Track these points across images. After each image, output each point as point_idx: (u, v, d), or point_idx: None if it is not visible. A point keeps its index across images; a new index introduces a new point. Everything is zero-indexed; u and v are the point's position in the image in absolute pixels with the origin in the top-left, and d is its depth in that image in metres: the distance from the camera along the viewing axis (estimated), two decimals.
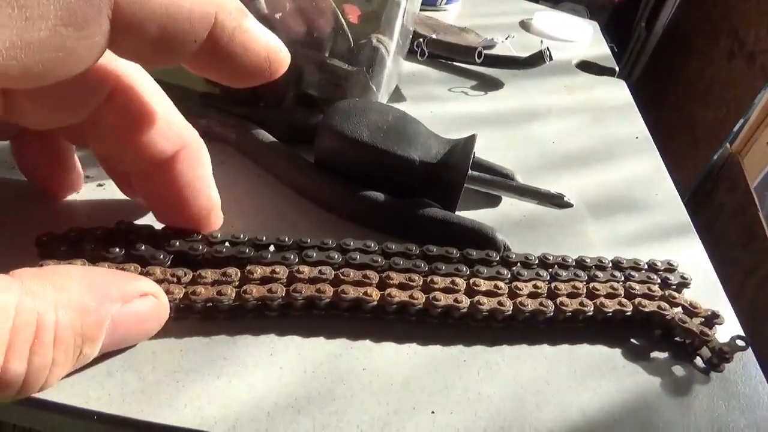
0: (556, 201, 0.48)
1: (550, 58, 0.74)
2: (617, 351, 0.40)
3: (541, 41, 0.73)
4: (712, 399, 0.38)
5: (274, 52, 0.30)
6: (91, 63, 0.25)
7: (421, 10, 0.95)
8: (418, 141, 0.47)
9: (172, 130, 0.35)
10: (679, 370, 0.39)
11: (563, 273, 0.42)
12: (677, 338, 0.41)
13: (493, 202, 0.53)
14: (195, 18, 0.26)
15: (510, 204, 0.52)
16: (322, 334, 0.37)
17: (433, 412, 0.33)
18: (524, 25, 1.00)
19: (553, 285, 0.41)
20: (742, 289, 1.65)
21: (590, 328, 0.41)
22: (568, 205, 0.48)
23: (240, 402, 0.32)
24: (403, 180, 0.46)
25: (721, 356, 0.39)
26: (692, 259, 0.51)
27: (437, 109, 0.67)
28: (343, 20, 0.51)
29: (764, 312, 1.50)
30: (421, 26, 0.84)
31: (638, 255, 0.46)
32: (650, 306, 0.41)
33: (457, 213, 0.47)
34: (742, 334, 0.42)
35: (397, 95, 0.67)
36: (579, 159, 0.62)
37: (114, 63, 0.32)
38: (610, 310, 0.40)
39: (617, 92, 0.81)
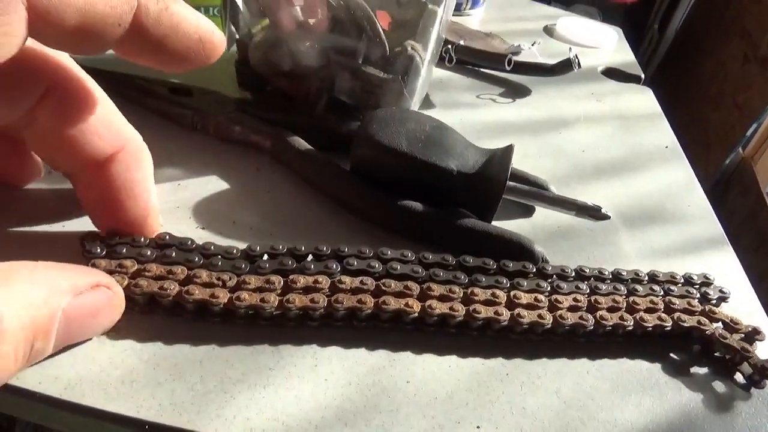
0: (594, 213, 0.47)
1: (579, 66, 0.74)
2: (657, 366, 0.40)
3: (570, 48, 0.73)
4: (754, 416, 0.38)
5: (206, 34, 0.30)
6: (11, 52, 0.24)
7: None
8: (456, 151, 0.47)
9: (110, 131, 0.34)
10: (719, 386, 0.39)
11: (602, 286, 0.42)
12: (717, 353, 0.41)
13: (527, 212, 0.52)
14: (115, 2, 0.26)
15: (543, 215, 0.52)
16: (363, 345, 0.37)
17: (478, 427, 0.33)
18: (548, 31, 1.00)
19: (593, 298, 0.41)
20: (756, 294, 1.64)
21: (629, 342, 0.41)
22: (606, 217, 0.48)
23: (287, 414, 0.32)
24: (441, 190, 0.46)
25: (762, 373, 0.38)
26: (728, 272, 0.50)
27: (466, 117, 0.67)
28: (380, 28, 0.51)
29: None
30: (449, 32, 0.84)
31: (673, 267, 0.46)
32: (690, 321, 0.41)
33: (493, 224, 0.47)
34: None
35: (426, 102, 0.67)
36: (610, 169, 0.62)
37: (50, 60, 0.31)
38: (650, 325, 0.40)
39: (645, 100, 0.80)
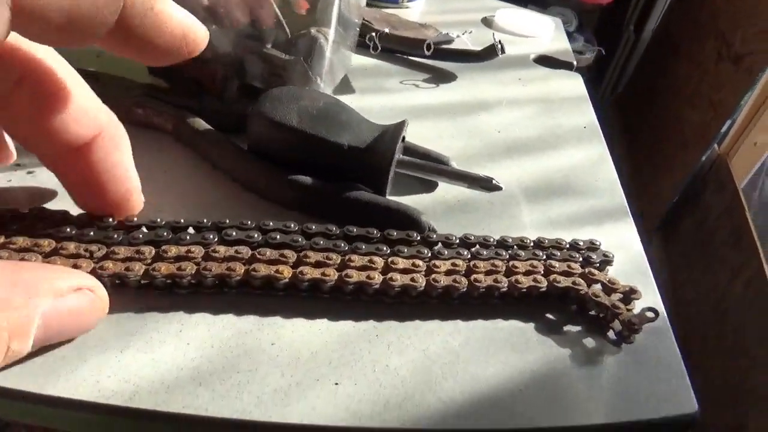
0: (485, 184, 0.48)
1: (503, 51, 0.75)
2: (531, 326, 0.41)
3: (493, 34, 0.74)
4: (620, 369, 0.38)
5: (190, 30, 0.31)
6: None
7: (383, 7, 0.96)
8: (349, 126, 0.48)
9: (87, 115, 0.35)
10: (590, 342, 0.40)
11: (484, 252, 0.43)
12: (592, 312, 0.42)
13: (429, 187, 0.53)
14: (101, 2, 0.27)
15: (445, 190, 0.53)
16: (233, 311, 0.37)
17: (336, 384, 0.34)
18: (486, 22, 1.01)
19: (472, 263, 0.42)
20: (730, 288, 1.66)
21: (507, 304, 0.42)
22: (497, 188, 0.49)
23: (141, 376, 0.32)
24: (333, 165, 0.47)
25: (630, 327, 0.39)
26: (624, 240, 0.52)
27: (386, 101, 0.68)
28: (277, 10, 0.52)
29: (753, 310, 1.50)
30: (380, 22, 0.85)
31: (571, 237, 0.47)
32: (566, 282, 0.42)
33: (389, 197, 0.48)
34: (659, 308, 0.43)
35: (345, 87, 0.68)
36: (523, 148, 0.63)
37: (24, 48, 0.32)
38: (525, 287, 0.41)
39: (572, 85, 0.82)
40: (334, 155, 0.46)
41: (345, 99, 0.67)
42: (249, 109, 0.54)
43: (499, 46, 0.75)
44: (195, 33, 0.31)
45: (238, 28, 0.55)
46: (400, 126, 0.47)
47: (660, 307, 0.44)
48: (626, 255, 0.49)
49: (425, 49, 0.72)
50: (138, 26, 0.28)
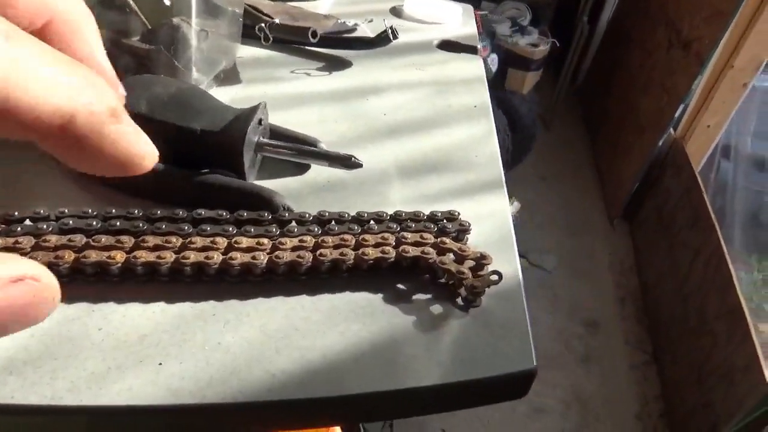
0: (345, 162, 0.49)
1: (395, 37, 0.76)
2: (379, 296, 0.41)
3: (384, 20, 0.75)
4: (464, 332, 0.39)
5: (138, 156, 0.27)
6: None
7: (290, 0, 0.96)
8: (204, 112, 0.47)
9: None
10: (438, 309, 0.41)
11: (337, 227, 0.43)
12: (441, 280, 0.42)
13: (300, 170, 0.53)
14: (43, 112, 0.22)
15: (316, 171, 0.53)
16: (62, 299, 0.36)
17: (160, 364, 0.34)
18: (396, 12, 1.02)
19: (320, 239, 0.42)
20: (692, 269, 1.70)
21: (358, 277, 0.42)
22: (357, 165, 0.49)
23: None
24: (189, 151, 0.47)
25: (473, 292, 0.40)
26: (495, 211, 0.52)
27: (273, 90, 0.67)
28: (130, 1, 0.51)
29: (713, 289, 1.54)
30: (280, 14, 0.85)
31: (443, 209, 0.47)
32: (414, 252, 0.42)
33: (256, 181, 0.48)
34: (518, 273, 0.43)
35: (231, 78, 0.67)
36: (406, 129, 0.64)
37: None
38: (372, 258, 0.41)
39: (470, 68, 0.83)
40: (188, 141, 0.46)
41: (231, 89, 0.67)
42: None
43: (391, 32, 0.75)
44: (143, 160, 0.27)
45: (105, 22, 0.54)
46: (255, 108, 0.47)
47: (518, 272, 0.45)
48: (494, 224, 0.50)
49: (310, 37, 0.72)
50: (79, 144, 0.25)
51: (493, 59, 2.15)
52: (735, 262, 1.64)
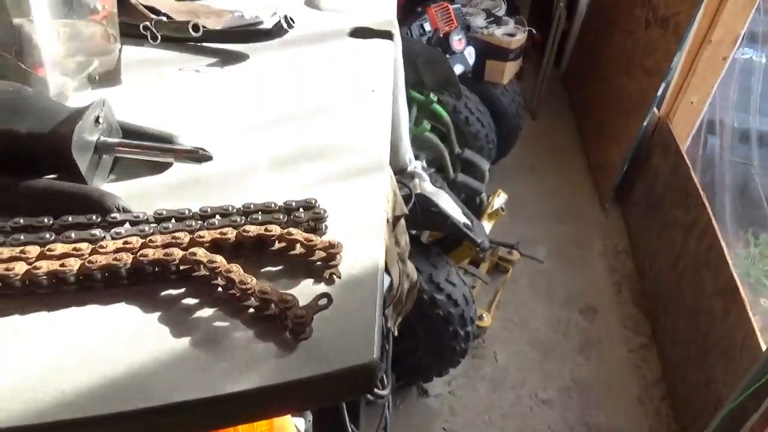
0: (192, 155, 0.46)
1: (290, 26, 0.73)
2: (202, 300, 0.37)
3: (276, 10, 0.72)
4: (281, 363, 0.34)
5: None
6: None
7: None
8: (32, 113, 0.44)
9: None
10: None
11: (172, 225, 0.40)
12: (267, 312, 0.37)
13: (159, 169, 0.50)
14: None
15: (179, 168, 0.50)
16: None
17: None
18: (311, 3, 0.99)
19: (148, 239, 0.39)
20: (685, 247, 1.68)
21: (184, 280, 0.38)
22: (207, 158, 0.46)
23: None
24: (13, 154, 0.43)
25: (298, 322, 0.35)
26: (366, 196, 0.49)
27: (156, 89, 0.65)
28: None
29: (707, 265, 1.52)
30: (182, 13, 0.82)
31: (314, 197, 0.44)
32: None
33: (109, 184, 0.45)
34: (379, 260, 0.40)
35: (110, 79, 0.64)
36: (292, 118, 0.61)
37: None
38: (205, 259, 0.38)
39: (377, 53, 0.80)
40: (12, 144, 0.43)
41: (107, 91, 0.64)
42: None
43: (286, 21, 0.72)
44: None
45: None
46: (88, 107, 0.44)
47: (378, 260, 0.42)
48: (364, 209, 0.47)
49: (191, 31, 0.69)
50: None
51: (470, 52, 2.12)
52: (729, 238, 1.63)
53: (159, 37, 0.71)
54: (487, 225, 1.77)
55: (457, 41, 2.07)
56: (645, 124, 1.99)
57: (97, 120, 0.45)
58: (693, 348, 1.51)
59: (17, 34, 0.51)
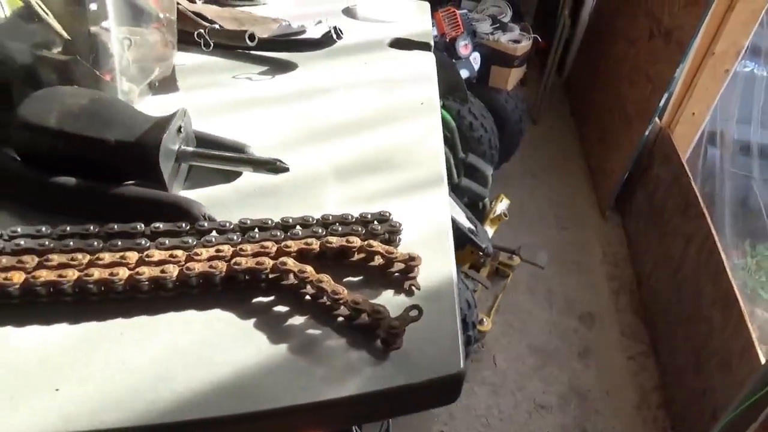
0: (270, 167, 0.47)
1: (339, 37, 0.74)
2: (295, 307, 0.39)
3: (327, 20, 0.73)
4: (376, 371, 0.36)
5: None
6: None
7: (236, 5, 0.94)
8: (119, 122, 0.46)
9: None
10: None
11: (258, 235, 0.41)
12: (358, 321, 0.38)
13: (231, 177, 0.52)
14: None
15: (248, 178, 0.52)
16: None
17: (57, 389, 0.32)
18: (349, 12, 1.01)
19: (238, 248, 0.40)
20: (685, 256, 1.69)
21: (277, 288, 0.40)
22: (284, 170, 0.47)
23: None
24: (102, 162, 0.45)
25: (391, 333, 0.36)
26: (433, 208, 0.51)
27: (212, 96, 0.66)
28: (41, 11, 0.49)
29: (707, 275, 1.53)
30: (227, 20, 0.83)
31: (379, 209, 0.45)
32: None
33: (184, 192, 0.46)
34: (450, 272, 0.42)
35: (168, 86, 0.66)
36: (347, 129, 0.62)
37: None
38: (295, 269, 0.39)
39: (420, 64, 0.82)
40: (102, 152, 0.44)
41: (166, 98, 0.65)
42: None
43: (335, 32, 0.74)
44: None
45: (26, 35, 0.52)
46: (172, 116, 0.45)
47: (452, 273, 0.43)
48: (431, 223, 0.48)
49: (248, 40, 0.71)
50: None
51: (476, 57, 2.14)
52: (728, 248, 1.63)
53: (212, 44, 0.73)
54: (490, 230, 1.79)
55: (464, 46, 2.08)
56: (647, 133, 2.01)
57: (179, 130, 0.46)
58: (691, 357, 1.53)
59: (93, 42, 0.52)
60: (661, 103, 1.93)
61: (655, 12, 2.10)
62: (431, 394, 0.36)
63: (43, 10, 0.49)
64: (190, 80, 0.69)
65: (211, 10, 0.85)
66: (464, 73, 2.00)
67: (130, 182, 0.45)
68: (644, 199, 2.07)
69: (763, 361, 1.22)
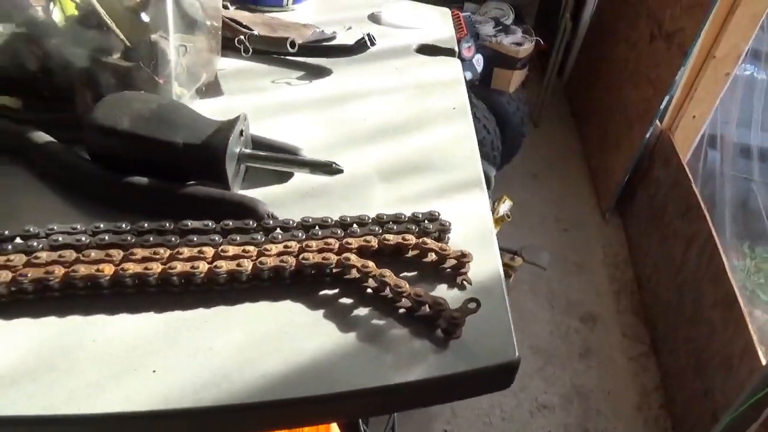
0: (326, 169, 0.50)
1: (372, 43, 0.77)
2: (359, 299, 0.42)
3: (360, 28, 0.76)
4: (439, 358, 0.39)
5: None
6: None
7: (266, 11, 0.97)
8: (185, 125, 0.49)
9: None
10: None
11: (320, 232, 0.44)
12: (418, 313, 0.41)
13: (283, 178, 0.54)
14: None
15: (299, 179, 0.55)
16: (55, 314, 0.38)
17: (154, 371, 0.35)
18: (374, 18, 1.03)
19: (304, 244, 0.43)
20: (685, 259, 1.71)
21: (341, 282, 0.43)
22: (338, 171, 0.50)
23: None
24: (172, 163, 0.48)
25: (452, 323, 0.40)
26: (475, 209, 0.54)
27: (255, 100, 0.69)
28: (106, 19, 0.52)
29: (707, 277, 1.55)
30: (258, 25, 0.86)
31: (424, 210, 0.48)
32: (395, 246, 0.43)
33: (240, 191, 0.49)
34: (497, 268, 0.45)
35: (213, 90, 0.69)
36: (386, 132, 0.65)
37: None
38: (359, 264, 0.42)
39: (448, 70, 0.85)
40: (171, 154, 0.47)
41: (214, 101, 0.68)
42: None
43: (368, 38, 0.77)
44: None
45: (83, 41, 0.55)
46: (235, 120, 0.48)
47: (498, 269, 0.47)
48: (474, 222, 0.51)
49: (289, 47, 0.74)
50: None
51: (479, 59, 2.17)
52: (727, 250, 1.66)
53: (251, 50, 0.76)
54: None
55: (467, 48, 2.11)
56: (648, 135, 2.03)
57: (240, 133, 0.49)
58: (692, 357, 1.55)
59: (154, 49, 0.55)
60: (662, 106, 1.95)
61: (656, 14, 2.12)
62: (489, 380, 0.39)
63: (108, 20, 0.52)
64: (232, 85, 0.72)
65: (244, 17, 0.88)
66: (467, 75, 2.03)
67: (191, 182, 0.48)
68: (645, 201, 2.10)
69: (764, 362, 1.25)
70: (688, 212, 1.76)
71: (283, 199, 0.52)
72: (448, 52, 0.93)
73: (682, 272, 1.70)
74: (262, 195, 0.49)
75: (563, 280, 2.01)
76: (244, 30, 0.78)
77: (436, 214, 0.49)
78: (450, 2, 2.16)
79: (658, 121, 2.03)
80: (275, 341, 0.38)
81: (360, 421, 0.89)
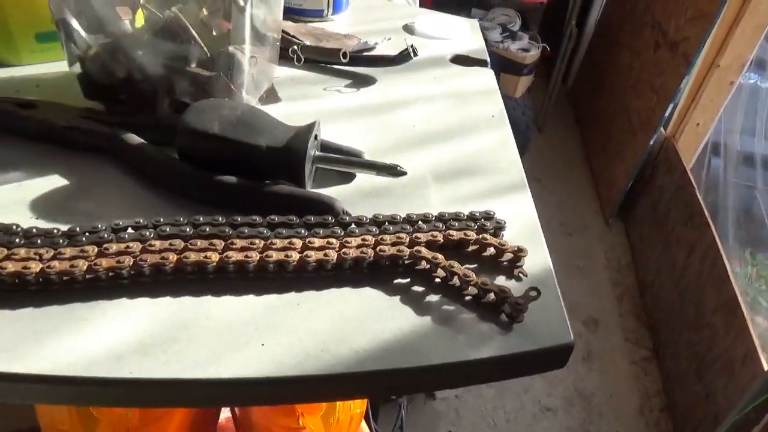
0: (391, 171, 0.55)
1: (415, 54, 0.82)
2: (430, 286, 0.47)
3: (405, 39, 0.82)
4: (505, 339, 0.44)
5: None
6: None
7: (308, 21, 1.03)
8: (266, 130, 0.54)
9: None
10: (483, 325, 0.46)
11: (391, 228, 0.50)
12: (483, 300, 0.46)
13: (347, 179, 0.60)
14: None
15: (362, 179, 0.60)
16: (170, 294, 0.43)
17: (263, 344, 0.40)
18: (408, 29, 1.09)
19: (379, 237, 0.48)
20: (688, 264, 1.75)
21: (412, 272, 0.48)
22: (402, 173, 0.55)
23: (92, 351, 0.38)
24: (255, 165, 0.53)
25: (517, 309, 0.45)
26: (522, 209, 0.59)
27: (309, 106, 0.74)
28: (194, 33, 0.58)
29: (709, 283, 1.59)
30: (305, 36, 0.92)
31: (475, 209, 0.54)
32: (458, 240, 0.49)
33: (311, 189, 0.54)
34: (547, 264, 0.50)
35: (272, 97, 0.74)
36: (434, 138, 0.71)
37: None
38: (429, 256, 0.47)
39: (483, 80, 0.90)
40: (255, 156, 0.52)
41: (273, 107, 0.74)
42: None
43: (411, 49, 0.82)
44: None
45: (165, 51, 0.61)
46: (312, 126, 0.54)
47: (548, 262, 0.52)
48: (523, 221, 0.57)
49: (342, 58, 0.79)
50: None
51: None
52: (730, 257, 1.70)
53: (303, 59, 0.81)
54: None
55: None
56: (651, 143, 2.06)
57: (315, 137, 0.54)
58: (694, 362, 1.58)
59: (231, 60, 0.61)
60: (666, 114, 1.99)
61: (661, 24, 2.16)
62: (548, 360, 0.44)
63: (194, 33, 0.57)
64: (287, 92, 0.77)
65: (291, 27, 0.94)
66: None
67: (267, 181, 0.54)
68: (648, 207, 2.14)
69: (766, 367, 1.29)
70: (691, 219, 1.80)
71: (349, 198, 0.57)
72: (480, 62, 0.98)
73: (684, 277, 1.74)
74: (331, 193, 0.54)
75: (566, 284, 2.04)
76: (296, 40, 0.83)
77: (492, 213, 0.54)
78: (458, 9, 2.21)
79: (662, 129, 2.06)
80: (361, 321, 0.43)
81: (370, 417, 0.94)
